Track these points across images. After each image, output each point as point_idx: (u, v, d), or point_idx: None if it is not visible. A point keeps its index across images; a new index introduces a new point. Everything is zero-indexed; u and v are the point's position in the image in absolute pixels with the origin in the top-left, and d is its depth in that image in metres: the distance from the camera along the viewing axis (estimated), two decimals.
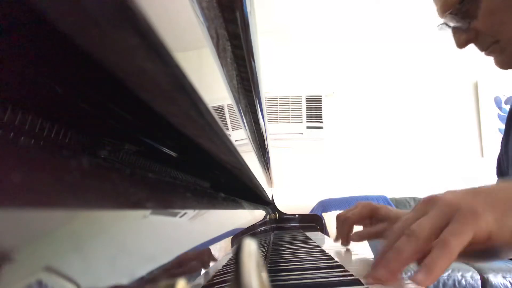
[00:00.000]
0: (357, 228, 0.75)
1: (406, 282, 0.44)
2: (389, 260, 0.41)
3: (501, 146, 0.84)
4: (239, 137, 0.42)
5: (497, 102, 3.25)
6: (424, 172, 3.13)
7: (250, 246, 0.15)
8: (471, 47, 0.70)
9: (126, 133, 0.32)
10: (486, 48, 0.69)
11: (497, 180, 0.85)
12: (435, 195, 0.44)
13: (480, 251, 0.49)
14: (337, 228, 0.76)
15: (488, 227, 0.39)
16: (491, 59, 0.70)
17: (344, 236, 0.74)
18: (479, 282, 2.26)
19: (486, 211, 0.40)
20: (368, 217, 0.75)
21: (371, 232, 0.71)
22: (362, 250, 0.68)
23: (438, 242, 0.39)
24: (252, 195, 0.92)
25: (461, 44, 0.70)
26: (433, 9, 0.74)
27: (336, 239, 0.76)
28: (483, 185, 0.44)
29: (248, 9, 0.33)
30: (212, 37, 0.27)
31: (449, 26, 0.71)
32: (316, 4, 2.82)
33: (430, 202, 0.43)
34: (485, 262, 0.72)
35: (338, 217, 0.77)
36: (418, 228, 0.41)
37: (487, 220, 0.39)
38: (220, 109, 0.29)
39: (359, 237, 0.72)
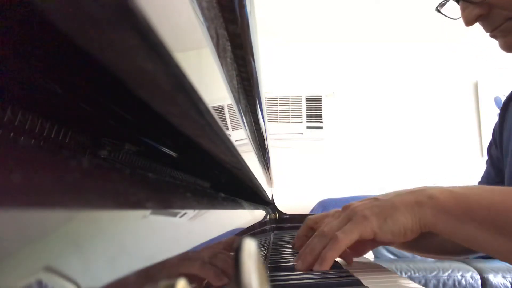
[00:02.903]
0: None
1: (406, 282, 0.44)
2: (305, 255, 0.53)
3: (493, 133, 0.85)
4: (239, 137, 0.42)
5: (497, 102, 3.25)
6: (424, 172, 3.13)
7: (250, 246, 0.15)
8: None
9: (126, 133, 0.32)
10: (496, 26, 0.63)
11: (486, 168, 0.86)
12: (350, 203, 0.57)
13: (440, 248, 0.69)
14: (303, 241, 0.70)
15: (372, 228, 0.51)
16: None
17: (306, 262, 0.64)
18: (479, 282, 2.26)
19: (372, 217, 0.51)
20: (311, 231, 0.71)
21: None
22: None
23: (331, 238, 0.51)
24: (252, 195, 0.92)
25: (471, 19, 0.64)
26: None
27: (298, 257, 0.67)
28: (388, 192, 0.57)
29: (248, 9, 0.33)
30: (212, 37, 0.27)
31: (457, 1, 0.66)
32: (317, 4, 2.82)
33: (344, 209, 0.56)
34: (460, 256, 0.82)
35: (310, 227, 0.72)
36: (327, 229, 0.54)
37: (372, 223, 0.51)
38: (220, 109, 0.29)
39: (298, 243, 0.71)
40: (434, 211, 0.50)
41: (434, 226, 0.50)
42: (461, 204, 0.50)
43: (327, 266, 0.50)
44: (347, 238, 0.50)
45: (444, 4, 0.71)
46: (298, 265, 0.53)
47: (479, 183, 0.87)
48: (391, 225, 0.51)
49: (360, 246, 0.58)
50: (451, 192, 0.51)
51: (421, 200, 0.51)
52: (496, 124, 0.85)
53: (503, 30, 0.63)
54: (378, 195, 0.57)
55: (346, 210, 0.56)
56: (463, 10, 0.65)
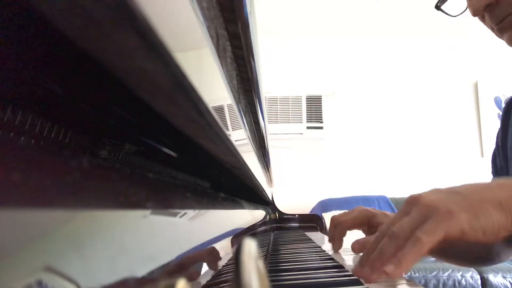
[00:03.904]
0: (353, 234, 0.73)
1: (406, 282, 0.44)
2: (372, 260, 0.45)
3: (496, 142, 0.84)
4: (239, 137, 0.42)
5: (497, 102, 3.25)
6: (424, 172, 3.13)
7: (250, 246, 0.15)
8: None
9: (126, 133, 0.32)
10: (504, 17, 0.61)
11: (492, 179, 0.85)
12: (417, 195, 0.48)
13: (477, 254, 0.56)
14: (329, 230, 0.75)
15: (461, 226, 0.43)
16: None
17: (335, 240, 0.72)
18: (479, 282, 2.26)
19: (460, 212, 0.43)
20: (364, 224, 0.74)
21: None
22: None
23: (411, 239, 0.43)
24: (252, 195, 0.92)
25: (478, 9, 0.62)
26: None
27: (330, 241, 0.75)
28: (464, 184, 0.48)
29: (248, 9, 0.33)
30: (212, 37, 0.27)
31: None
32: (317, 4, 2.82)
33: (412, 202, 0.47)
34: (484, 265, 0.73)
35: (332, 220, 0.75)
36: (398, 229, 0.45)
37: (461, 219, 0.43)
38: (220, 109, 0.29)
39: (360, 246, 0.66)
40: None
41: None
42: None
43: (403, 269, 0.42)
44: (431, 239, 0.42)
45: (446, 0, 0.70)
46: (365, 271, 0.46)
47: None
48: (484, 222, 0.43)
49: (439, 249, 0.46)
50: None
51: None
52: (498, 131, 0.84)
53: (511, 21, 0.61)
54: (453, 187, 0.48)
55: (417, 205, 0.46)
56: (470, 0, 0.63)
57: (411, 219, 0.45)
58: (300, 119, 3.14)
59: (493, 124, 3.20)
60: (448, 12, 0.71)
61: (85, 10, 0.11)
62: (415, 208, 0.46)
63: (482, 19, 0.65)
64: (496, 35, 0.66)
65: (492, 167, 0.85)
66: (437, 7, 0.72)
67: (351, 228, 0.73)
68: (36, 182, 0.11)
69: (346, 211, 0.77)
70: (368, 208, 0.75)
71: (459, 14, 0.67)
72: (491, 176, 0.86)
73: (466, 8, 0.67)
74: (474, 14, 0.63)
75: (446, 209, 0.44)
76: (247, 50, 0.38)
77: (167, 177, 0.43)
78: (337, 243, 0.72)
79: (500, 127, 0.83)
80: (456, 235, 0.43)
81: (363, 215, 0.73)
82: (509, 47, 0.66)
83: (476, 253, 0.61)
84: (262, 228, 0.85)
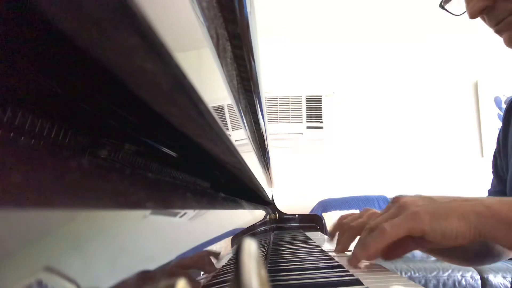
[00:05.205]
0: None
1: (406, 282, 0.44)
2: (356, 252, 0.54)
3: (497, 142, 0.84)
4: (239, 137, 0.42)
5: (497, 102, 3.25)
6: (424, 172, 3.13)
7: (250, 246, 0.15)
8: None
9: (126, 133, 0.32)
10: (501, 19, 0.62)
11: (492, 178, 0.85)
12: (399, 196, 0.56)
13: (474, 253, 0.64)
14: (338, 234, 0.73)
15: (423, 227, 0.50)
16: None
17: (344, 245, 0.69)
18: (479, 282, 2.26)
19: (425, 214, 0.50)
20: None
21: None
22: None
23: (378, 227, 0.51)
24: (252, 195, 0.92)
25: (476, 12, 0.63)
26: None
27: (335, 246, 0.72)
28: (441, 195, 0.57)
29: (248, 9, 0.33)
30: (212, 37, 0.27)
31: None
32: (317, 4, 2.82)
33: (393, 202, 0.56)
34: (482, 264, 0.79)
35: (341, 224, 0.73)
36: (374, 223, 0.54)
37: (424, 221, 0.50)
38: (220, 109, 0.29)
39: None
40: (493, 221, 0.50)
41: (492, 235, 0.51)
42: None
43: (366, 253, 0.50)
44: (394, 231, 0.50)
45: (449, 0, 0.71)
46: (352, 262, 0.54)
47: (488, 194, 0.86)
48: (444, 227, 0.50)
49: (403, 244, 0.55)
50: (510, 202, 0.52)
51: (479, 209, 0.51)
52: (500, 131, 0.84)
53: (508, 23, 0.62)
54: (433, 196, 0.56)
55: (396, 203, 0.55)
56: (468, 2, 0.64)
57: (387, 214, 0.54)
58: (300, 119, 3.14)
59: (493, 124, 3.20)
60: (451, 11, 0.71)
61: (85, 10, 0.11)
62: (393, 205, 0.55)
63: (483, 18, 0.65)
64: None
65: (493, 166, 0.86)
66: (441, 6, 0.72)
67: (360, 233, 0.71)
68: (36, 182, 0.11)
69: (354, 213, 0.74)
70: (376, 211, 0.74)
71: (462, 13, 0.68)
72: (491, 175, 0.86)
73: None
74: (472, 17, 0.64)
75: (414, 210, 0.51)
76: (247, 50, 0.38)
77: (167, 177, 0.43)
78: (342, 248, 0.70)
79: (501, 126, 0.83)
80: (418, 234, 0.50)
81: None
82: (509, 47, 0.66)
83: (474, 251, 0.63)
84: (262, 228, 0.85)
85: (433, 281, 2.26)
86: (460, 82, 3.28)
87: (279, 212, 1.40)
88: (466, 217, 0.50)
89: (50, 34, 0.15)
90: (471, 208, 0.51)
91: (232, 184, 0.66)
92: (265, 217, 0.98)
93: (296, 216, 1.41)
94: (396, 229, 0.50)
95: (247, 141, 0.50)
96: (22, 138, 0.20)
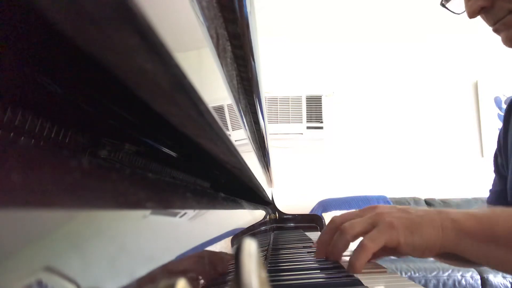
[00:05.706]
0: None
1: (406, 282, 0.44)
2: (330, 251, 0.57)
3: (498, 142, 0.84)
4: (239, 137, 0.42)
5: (497, 102, 3.25)
6: (424, 172, 3.13)
7: (250, 246, 0.15)
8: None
9: (126, 133, 0.32)
10: (499, 19, 0.63)
11: (494, 178, 0.85)
12: (376, 205, 0.58)
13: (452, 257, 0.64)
14: (324, 231, 0.61)
15: (398, 238, 0.52)
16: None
17: (339, 252, 0.59)
18: (479, 282, 2.26)
19: (400, 226, 0.52)
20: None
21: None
22: None
23: (359, 245, 0.53)
24: (252, 195, 0.92)
25: (474, 11, 0.64)
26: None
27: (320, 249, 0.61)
28: (415, 207, 0.59)
29: (248, 9, 0.33)
30: (212, 37, 0.27)
31: None
32: (317, 5, 2.82)
33: (370, 210, 0.57)
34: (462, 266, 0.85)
35: (344, 228, 0.58)
36: (349, 226, 0.55)
37: (399, 233, 0.52)
38: (220, 109, 0.29)
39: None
40: (457, 234, 0.52)
41: (456, 248, 0.53)
42: (485, 228, 0.52)
43: (356, 270, 0.52)
44: (374, 245, 0.52)
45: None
46: (319, 256, 0.58)
47: (490, 193, 0.86)
48: (416, 240, 0.52)
49: (378, 252, 0.56)
50: (475, 216, 0.54)
51: (444, 223, 0.53)
52: (500, 130, 0.84)
53: (506, 23, 0.63)
54: (408, 207, 0.58)
55: (371, 212, 0.56)
56: (467, 1, 0.65)
57: (362, 221, 0.55)
58: (300, 119, 3.14)
59: (493, 124, 3.20)
60: (452, 10, 0.72)
61: (85, 9, 0.11)
62: (369, 214, 0.56)
63: (483, 17, 0.66)
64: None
65: (494, 165, 0.86)
66: (442, 4, 0.73)
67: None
68: (36, 182, 0.11)
69: (355, 211, 0.63)
70: (353, 212, 0.68)
71: (462, 12, 0.68)
72: (492, 175, 0.86)
73: None
74: (470, 16, 0.65)
75: (389, 222, 0.53)
76: (247, 50, 0.38)
77: (167, 177, 0.43)
78: (338, 255, 0.59)
79: (502, 126, 0.83)
80: (394, 245, 0.52)
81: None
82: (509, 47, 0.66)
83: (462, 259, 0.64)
84: (262, 228, 0.85)
85: (433, 281, 2.26)
86: (460, 82, 3.28)
87: (279, 212, 1.40)
88: (434, 231, 0.53)
89: (50, 34, 0.15)
90: (440, 223, 0.53)
91: (232, 184, 0.66)
92: (265, 217, 0.98)
93: (296, 216, 1.41)
94: (375, 242, 0.52)
95: (247, 141, 0.50)
96: (22, 138, 0.20)
